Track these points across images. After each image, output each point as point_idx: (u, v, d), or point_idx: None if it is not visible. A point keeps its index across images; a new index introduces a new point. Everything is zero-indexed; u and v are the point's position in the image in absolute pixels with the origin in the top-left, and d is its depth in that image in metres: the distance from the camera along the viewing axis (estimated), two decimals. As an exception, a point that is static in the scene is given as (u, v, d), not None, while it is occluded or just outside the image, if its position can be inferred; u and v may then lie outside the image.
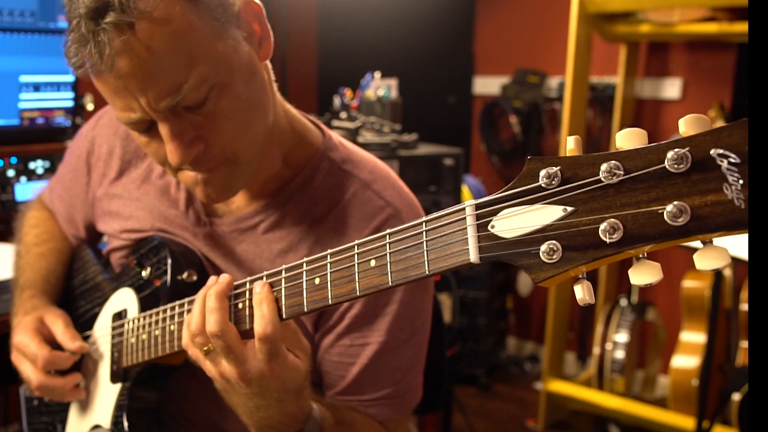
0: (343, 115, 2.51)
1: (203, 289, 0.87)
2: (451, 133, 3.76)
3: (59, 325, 1.11)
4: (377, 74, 2.59)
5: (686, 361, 2.86)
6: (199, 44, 0.83)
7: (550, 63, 3.62)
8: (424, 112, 3.59)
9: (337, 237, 1.02)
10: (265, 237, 1.04)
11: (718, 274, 2.33)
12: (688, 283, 2.87)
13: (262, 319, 0.80)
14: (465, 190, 3.18)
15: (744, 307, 2.80)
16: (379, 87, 2.56)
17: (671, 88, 3.30)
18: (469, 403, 3.29)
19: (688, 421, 2.72)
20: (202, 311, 0.84)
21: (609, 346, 3.12)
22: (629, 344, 3.11)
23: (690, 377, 2.82)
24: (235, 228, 1.06)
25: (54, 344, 1.11)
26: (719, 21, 2.76)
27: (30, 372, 1.10)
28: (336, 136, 1.10)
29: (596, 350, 3.16)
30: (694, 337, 2.90)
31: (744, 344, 2.77)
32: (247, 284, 0.85)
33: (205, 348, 0.84)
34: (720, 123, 2.87)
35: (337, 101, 2.60)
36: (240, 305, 0.86)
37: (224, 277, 0.86)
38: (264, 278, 0.84)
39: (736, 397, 2.54)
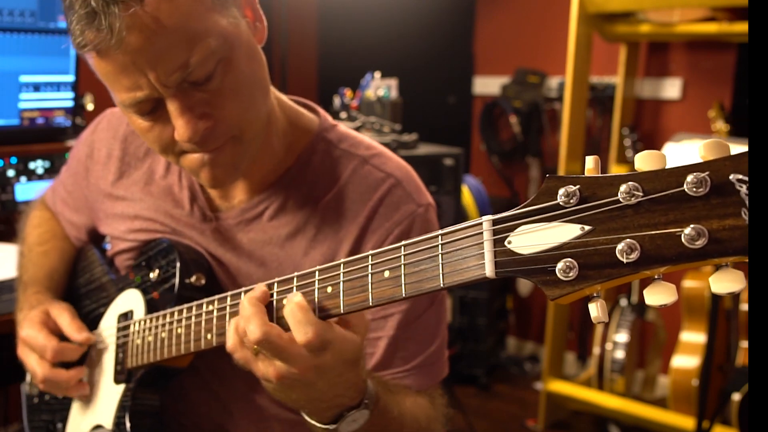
0: (343, 115, 2.52)
1: (249, 295, 0.82)
2: (451, 133, 3.76)
3: (65, 317, 1.12)
4: (377, 74, 2.59)
5: (686, 361, 2.86)
6: (204, 18, 0.85)
7: (550, 63, 3.62)
8: (424, 112, 3.59)
9: (342, 213, 1.03)
10: (271, 224, 1.05)
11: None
12: (688, 283, 2.87)
13: (300, 326, 0.76)
14: (465, 190, 3.18)
15: (744, 307, 2.80)
16: (379, 87, 2.56)
17: (671, 88, 3.31)
18: (469, 403, 3.29)
19: (688, 421, 2.72)
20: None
21: (609, 346, 3.12)
22: (629, 344, 3.11)
23: (690, 377, 2.82)
24: (241, 219, 1.06)
25: (60, 336, 1.11)
26: (719, 21, 2.76)
27: (36, 365, 1.10)
28: (331, 118, 1.11)
29: (596, 350, 3.16)
30: (694, 337, 2.90)
31: (744, 344, 2.77)
32: (295, 281, 0.81)
33: (256, 348, 0.80)
34: (720, 123, 2.87)
35: (337, 101, 2.60)
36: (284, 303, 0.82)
37: (259, 287, 0.83)
38: (275, 285, 0.83)
39: (736, 397, 2.54)
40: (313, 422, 0.87)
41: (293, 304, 0.78)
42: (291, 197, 1.04)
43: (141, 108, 0.88)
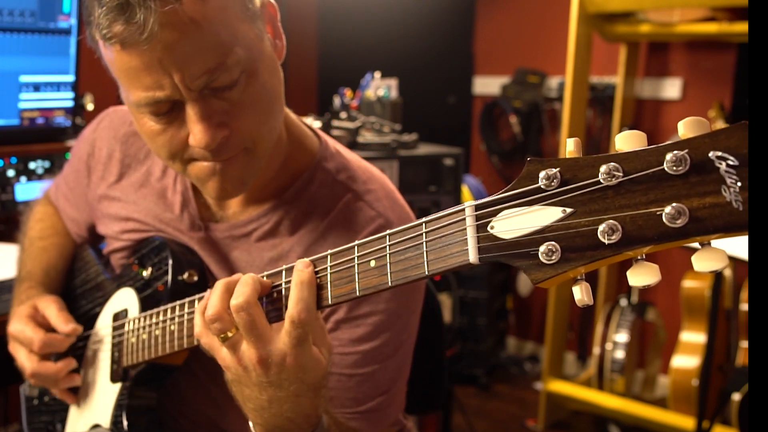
0: (343, 115, 2.51)
1: (224, 280, 0.81)
2: (451, 133, 3.76)
3: (53, 309, 1.12)
4: (377, 74, 2.59)
5: (686, 361, 2.86)
6: (234, 26, 0.85)
7: (550, 63, 3.62)
8: (424, 112, 3.59)
9: (327, 247, 1.00)
10: (258, 245, 1.04)
11: (718, 274, 2.33)
12: (688, 283, 2.87)
13: (299, 302, 0.75)
14: (465, 190, 3.18)
15: (744, 307, 2.80)
16: (379, 87, 2.55)
17: (671, 88, 3.31)
18: (469, 403, 3.29)
19: (688, 421, 2.72)
20: (223, 296, 0.79)
21: (609, 346, 3.12)
22: (629, 344, 3.11)
23: (690, 377, 2.82)
24: (229, 234, 1.06)
25: (49, 329, 1.11)
26: (719, 21, 2.76)
27: (25, 359, 1.11)
28: (333, 143, 1.10)
29: (596, 350, 3.16)
30: (694, 337, 2.90)
31: (744, 344, 2.77)
32: (284, 275, 0.81)
33: (222, 335, 0.79)
34: (720, 123, 2.87)
35: (337, 101, 2.60)
36: (275, 294, 0.82)
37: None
38: (263, 278, 0.83)
39: (736, 397, 2.54)
40: None
41: (306, 277, 0.76)
42: (282, 223, 1.03)
43: (157, 108, 0.87)
